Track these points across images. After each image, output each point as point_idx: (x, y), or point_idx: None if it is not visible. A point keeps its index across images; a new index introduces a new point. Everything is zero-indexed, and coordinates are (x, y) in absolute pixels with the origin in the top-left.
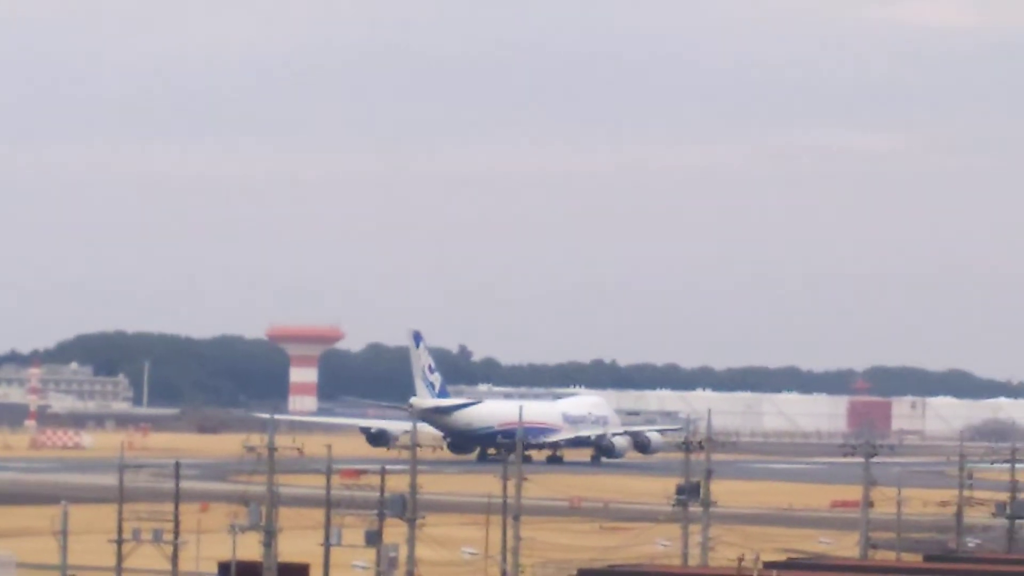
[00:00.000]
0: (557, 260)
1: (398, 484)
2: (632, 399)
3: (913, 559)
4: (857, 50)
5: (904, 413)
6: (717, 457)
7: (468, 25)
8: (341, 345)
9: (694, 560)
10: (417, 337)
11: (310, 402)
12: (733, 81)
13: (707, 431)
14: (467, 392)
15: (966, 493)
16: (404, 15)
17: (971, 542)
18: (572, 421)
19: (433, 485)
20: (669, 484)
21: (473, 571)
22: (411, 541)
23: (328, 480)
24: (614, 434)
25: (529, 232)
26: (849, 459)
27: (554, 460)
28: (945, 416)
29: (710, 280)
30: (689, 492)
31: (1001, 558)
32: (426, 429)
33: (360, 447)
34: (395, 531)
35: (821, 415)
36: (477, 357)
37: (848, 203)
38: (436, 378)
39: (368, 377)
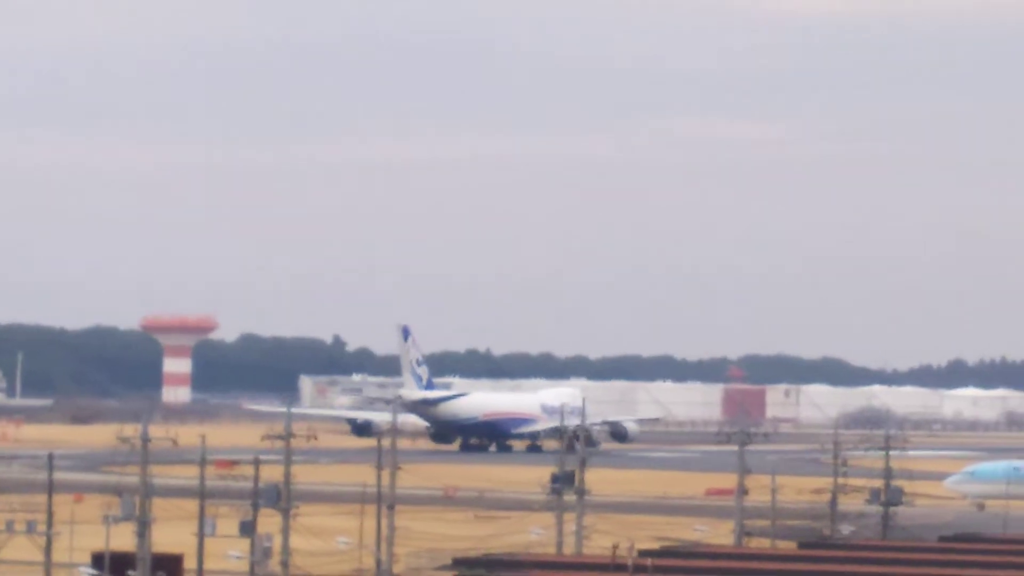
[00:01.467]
0: (430, 249)
1: (273, 474)
2: (507, 389)
3: (787, 546)
4: (732, 38)
5: (778, 401)
6: (359, 444)
7: (331, 17)
8: (215, 335)
9: (569, 548)
10: (406, 332)
11: (184, 392)
12: (605, 71)
13: (581, 420)
14: (341, 383)
15: (840, 480)
16: (268, 7)
17: (845, 529)
18: (550, 412)
19: (307, 475)
20: (544, 473)
21: (347, 560)
22: (285, 531)
23: (202, 471)
24: (593, 424)
25: (398, 222)
26: (724, 447)
27: (533, 449)
28: (819, 404)
29: (584, 269)
30: (563, 481)
31: (875, 545)
32: (411, 419)
33: (238, 436)
34: (269, 521)
35: (696, 403)
36: (352, 347)
37: (723, 193)
38: (424, 371)
39: (242, 367)
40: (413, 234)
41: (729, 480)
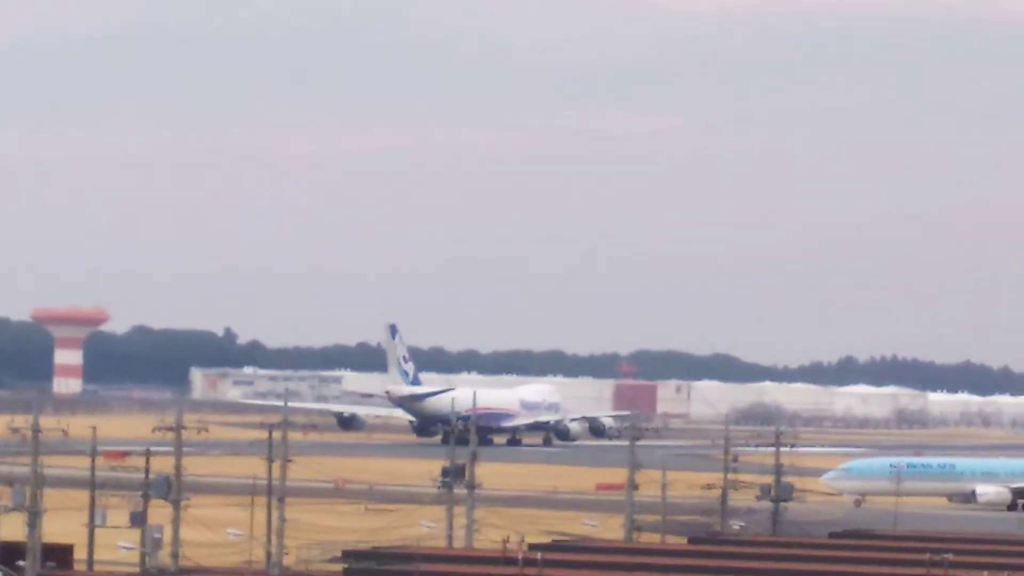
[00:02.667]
0: (323, 243)
1: (164, 465)
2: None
3: (678, 541)
4: (624, 33)
5: (669, 397)
6: (344, 438)
7: (218, 11)
8: (106, 327)
9: (459, 542)
10: (393, 329)
11: (75, 384)
12: (500, 65)
13: (472, 414)
14: (232, 375)
15: (731, 476)
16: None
17: (735, 525)
18: (529, 407)
19: (199, 467)
20: (435, 466)
21: (238, 552)
22: (176, 522)
23: (93, 461)
24: (572, 419)
25: (295, 215)
26: (615, 442)
27: (513, 443)
28: (710, 400)
29: (475, 263)
30: (454, 474)
31: (765, 540)
32: (397, 413)
33: (129, 427)
34: (160, 512)
35: (587, 399)
36: (243, 340)
37: (614, 185)
38: (410, 367)
39: (134, 359)
40: (306, 228)
41: (619, 475)
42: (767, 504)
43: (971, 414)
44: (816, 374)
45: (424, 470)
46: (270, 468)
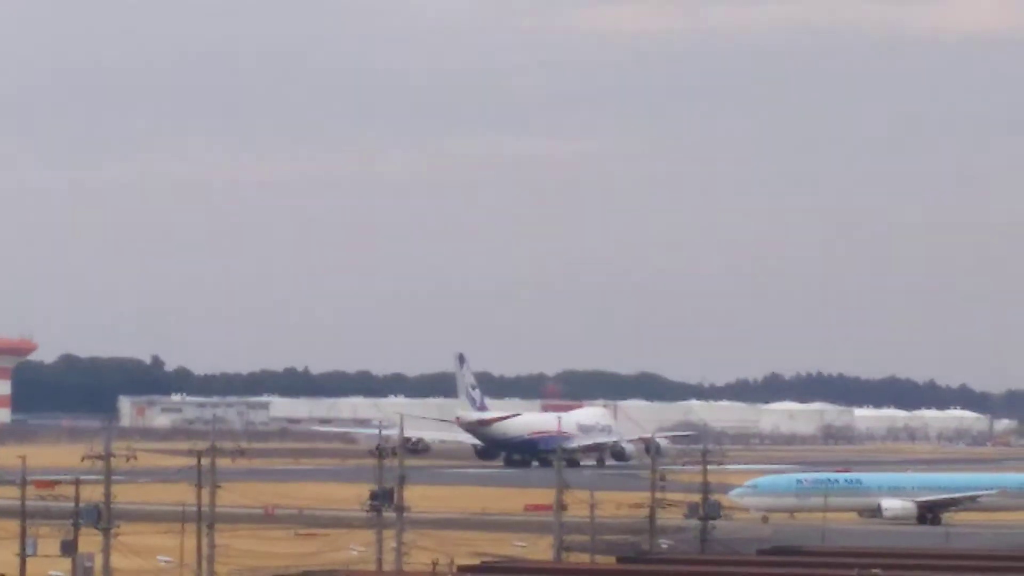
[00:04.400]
0: (248, 270)
1: (93, 494)
2: (325, 407)
3: (607, 561)
4: (543, 58)
5: (455, 416)
6: (411, 463)
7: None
8: (34, 357)
9: (388, 565)
10: (461, 358)
11: (3, 414)
12: (413, 88)
13: (399, 438)
14: (160, 402)
15: (658, 495)
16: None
17: (664, 543)
18: (585, 430)
19: (129, 495)
20: (364, 490)
21: None
22: (106, 550)
23: (23, 491)
24: (628, 440)
25: (219, 242)
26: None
27: (572, 464)
28: (636, 419)
29: (400, 285)
30: (382, 497)
31: (693, 559)
32: (460, 437)
33: (58, 456)
34: (91, 540)
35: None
36: (170, 366)
37: (536, 209)
38: (477, 394)
39: (62, 388)
40: (228, 253)
41: (548, 495)
42: (695, 522)
43: (897, 429)
44: (742, 392)
45: (353, 494)
46: (199, 494)
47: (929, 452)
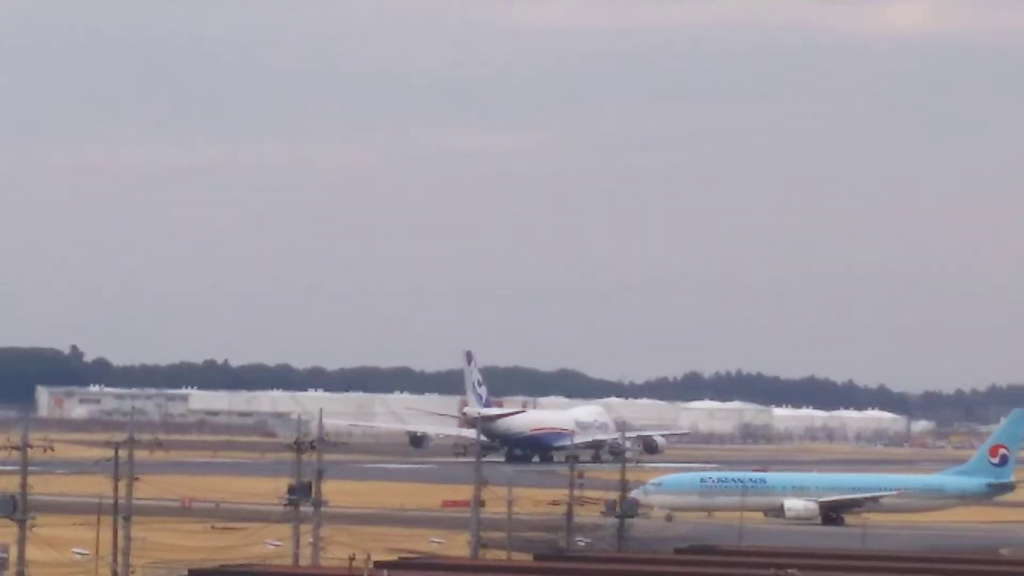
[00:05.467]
0: (169, 261)
1: (8, 485)
2: (244, 400)
3: (523, 558)
4: (485, 51)
5: (461, 412)
6: (329, 457)
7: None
8: None
9: (305, 560)
10: (469, 356)
11: None
12: (366, 82)
13: (319, 432)
14: (78, 393)
15: (576, 492)
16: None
17: (581, 541)
18: (583, 427)
19: (45, 486)
20: (282, 484)
21: (84, 572)
22: (21, 542)
23: None
24: (627, 437)
25: (139, 233)
26: (461, 459)
27: (572, 460)
28: (428, 413)
29: (324, 280)
30: (300, 492)
31: (611, 557)
32: (462, 432)
33: None
34: (6, 532)
35: (433, 416)
36: (89, 357)
37: (465, 202)
38: (483, 391)
39: None
40: (149, 243)
41: (465, 492)
42: (612, 520)
43: (815, 429)
44: (662, 390)
45: (271, 488)
46: (116, 486)
47: (847, 452)
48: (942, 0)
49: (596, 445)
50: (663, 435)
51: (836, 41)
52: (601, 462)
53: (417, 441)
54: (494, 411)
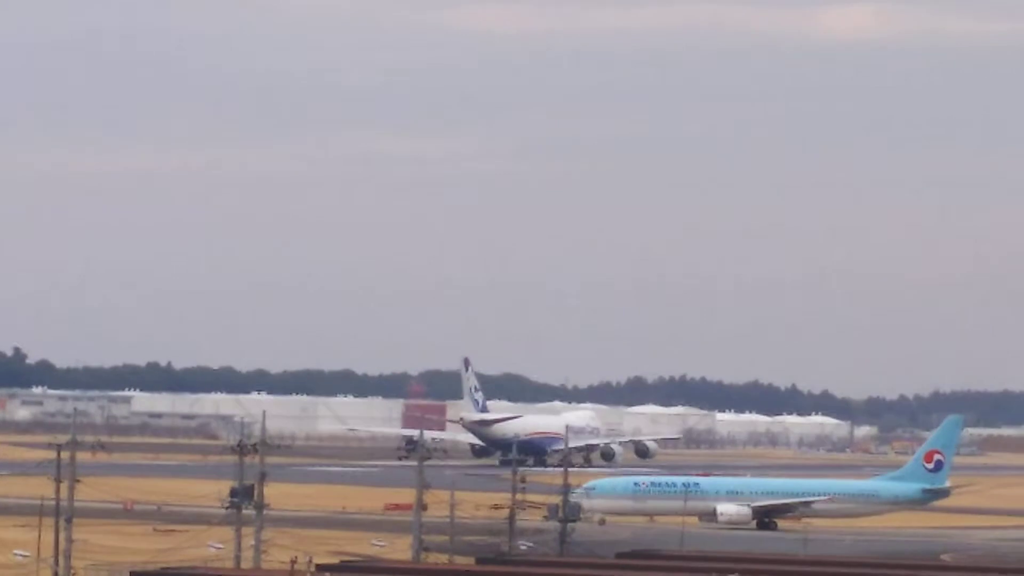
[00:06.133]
0: (112, 263)
1: None
2: (187, 403)
3: (466, 562)
4: (409, 55)
5: (459, 417)
6: (272, 460)
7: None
8: None
9: (247, 563)
10: (466, 362)
11: None
12: (289, 86)
13: (261, 435)
14: (21, 395)
15: (519, 496)
16: None
17: (523, 545)
18: (575, 431)
19: None
20: (224, 487)
21: (25, 573)
22: None
23: None
24: (619, 442)
25: (83, 234)
26: (404, 462)
27: (564, 463)
28: None
29: (266, 283)
30: (242, 495)
31: (552, 561)
32: (459, 437)
33: None
34: None
35: (376, 419)
36: (32, 359)
37: (402, 207)
38: (480, 396)
39: None
40: (92, 246)
41: (408, 495)
42: (555, 524)
43: (759, 434)
44: (606, 394)
45: (213, 490)
46: (58, 488)
47: (790, 458)
48: (883, 6)
49: (588, 449)
50: (655, 440)
51: (766, 44)
52: (592, 465)
53: (413, 444)
54: (492, 416)
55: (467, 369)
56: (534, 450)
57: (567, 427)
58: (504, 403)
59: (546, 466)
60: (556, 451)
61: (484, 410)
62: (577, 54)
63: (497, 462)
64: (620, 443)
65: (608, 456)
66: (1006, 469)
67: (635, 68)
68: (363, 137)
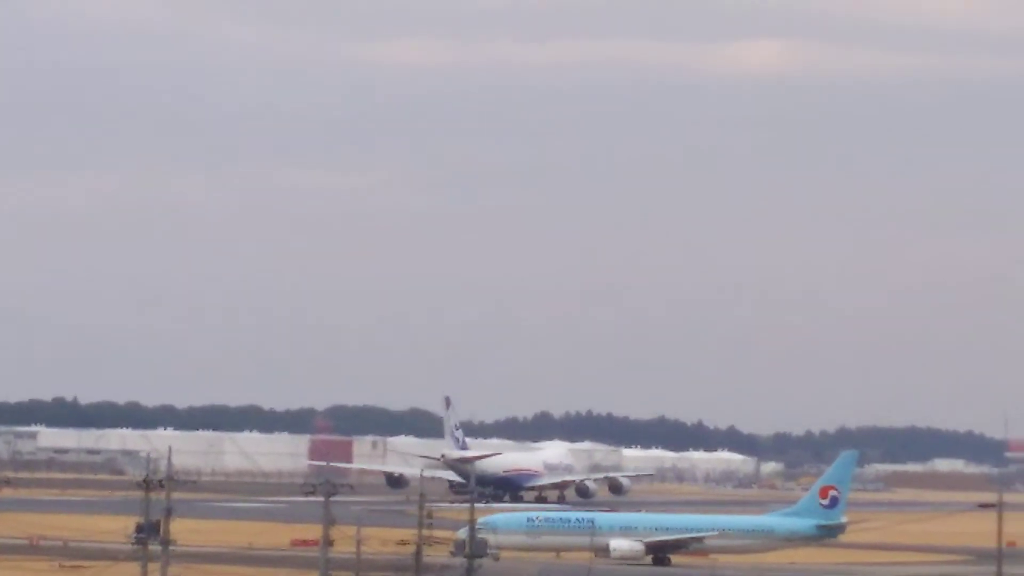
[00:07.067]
0: (15, 296)
1: None
2: (93, 438)
3: None
4: (325, 89)
5: (365, 452)
6: (178, 496)
7: None
8: None
9: None
10: (448, 401)
11: None
12: (200, 117)
13: (167, 470)
14: None
15: (426, 532)
16: None
17: None
18: (551, 468)
19: None
20: (130, 523)
21: None
22: None
23: None
24: (595, 479)
25: None
26: (310, 498)
27: (540, 499)
28: (406, 455)
29: (172, 317)
30: (149, 530)
31: None
32: (440, 474)
33: None
34: None
35: (283, 454)
36: None
37: (314, 241)
38: (460, 434)
39: None
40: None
41: (314, 531)
42: (461, 560)
43: (665, 469)
44: (512, 429)
45: (119, 526)
46: None
47: (696, 493)
48: (790, 42)
49: (562, 485)
50: (628, 476)
51: (679, 79)
52: (566, 501)
53: (394, 482)
54: (472, 454)
55: (448, 407)
56: (511, 486)
57: (544, 464)
58: (410, 439)
59: (523, 501)
60: (531, 487)
61: (464, 447)
62: (483, 88)
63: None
64: (595, 480)
65: (583, 492)
66: (911, 505)
67: (542, 102)
68: (260, 168)
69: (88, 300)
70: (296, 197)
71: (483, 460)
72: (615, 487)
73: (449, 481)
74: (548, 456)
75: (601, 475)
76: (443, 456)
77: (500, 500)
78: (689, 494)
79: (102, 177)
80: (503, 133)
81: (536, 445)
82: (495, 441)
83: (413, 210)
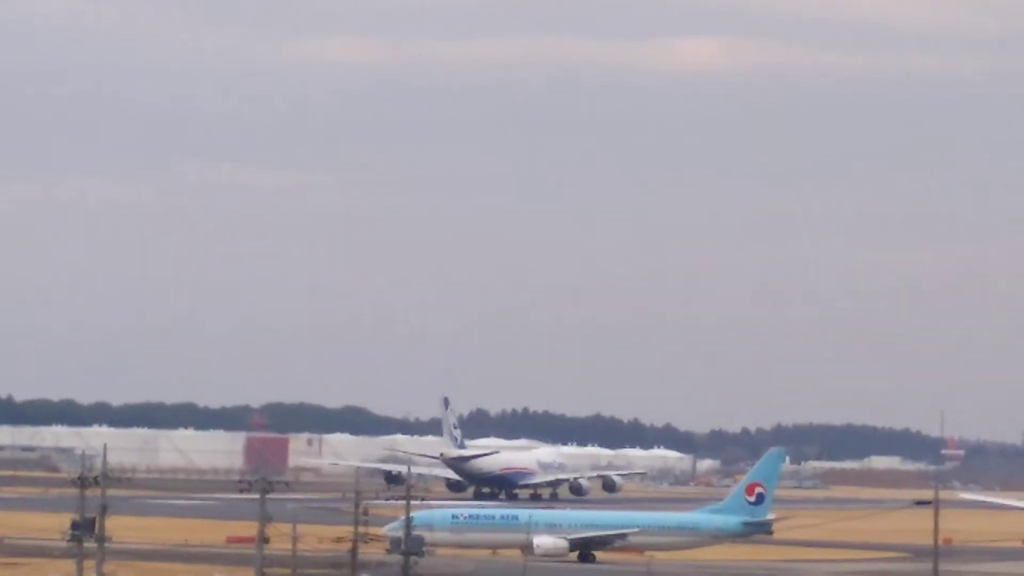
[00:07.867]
0: None
1: None
2: (27, 435)
3: None
4: (264, 88)
5: (301, 450)
6: (113, 493)
7: None
8: None
9: None
10: (446, 401)
11: None
12: (143, 117)
13: (102, 467)
14: None
15: (361, 529)
16: None
17: None
18: (544, 467)
19: None
20: (65, 519)
21: None
22: None
23: None
24: (588, 477)
25: None
26: (246, 495)
27: (535, 498)
28: (341, 452)
29: (108, 314)
30: (84, 527)
31: None
32: (437, 472)
33: None
34: None
35: (218, 452)
36: None
37: (248, 239)
38: (458, 433)
39: None
40: None
41: (250, 528)
42: (397, 557)
43: (601, 467)
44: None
45: (54, 523)
46: None
47: (632, 491)
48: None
49: (555, 484)
50: (621, 475)
51: (615, 78)
52: (559, 499)
53: (393, 479)
54: (470, 452)
55: (446, 407)
56: (506, 484)
57: (538, 462)
58: (346, 436)
59: (517, 499)
60: (526, 485)
61: (462, 446)
62: (420, 87)
63: (472, 496)
64: (588, 478)
65: (577, 490)
66: (848, 502)
67: (480, 101)
68: (208, 167)
69: (19, 299)
70: (232, 196)
71: (480, 459)
72: (608, 485)
73: (446, 479)
74: (542, 455)
75: (595, 474)
76: (442, 455)
77: (495, 498)
78: (625, 491)
79: (60, 180)
80: (433, 134)
81: (471, 442)
82: (431, 438)
83: (346, 209)
